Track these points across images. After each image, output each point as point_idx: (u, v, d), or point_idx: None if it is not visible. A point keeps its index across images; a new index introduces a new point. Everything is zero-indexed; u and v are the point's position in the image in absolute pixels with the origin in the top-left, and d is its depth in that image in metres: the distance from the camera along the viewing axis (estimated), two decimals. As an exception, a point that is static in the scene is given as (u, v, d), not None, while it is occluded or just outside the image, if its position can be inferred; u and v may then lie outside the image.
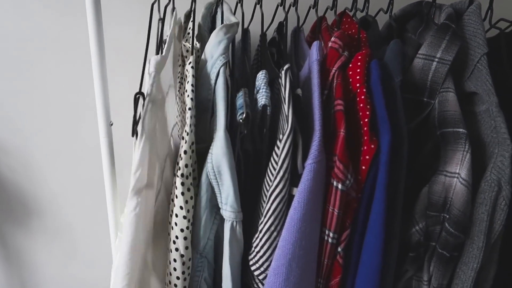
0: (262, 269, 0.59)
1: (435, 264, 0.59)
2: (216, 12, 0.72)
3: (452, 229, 0.57)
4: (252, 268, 0.60)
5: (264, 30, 0.77)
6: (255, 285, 0.62)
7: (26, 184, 1.08)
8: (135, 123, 0.58)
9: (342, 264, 0.59)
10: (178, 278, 0.63)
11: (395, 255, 0.59)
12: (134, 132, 0.58)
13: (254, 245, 0.59)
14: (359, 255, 0.59)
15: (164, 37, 0.68)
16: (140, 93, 0.59)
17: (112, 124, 0.72)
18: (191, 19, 0.68)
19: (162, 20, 0.66)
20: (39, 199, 1.10)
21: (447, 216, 0.58)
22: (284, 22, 0.73)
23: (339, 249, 0.59)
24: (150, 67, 0.58)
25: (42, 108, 1.00)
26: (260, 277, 0.59)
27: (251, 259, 0.60)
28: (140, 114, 0.59)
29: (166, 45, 0.65)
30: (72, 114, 1.01)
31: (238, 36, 0.76)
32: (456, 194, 0.56)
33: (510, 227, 0.57)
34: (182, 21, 0.76)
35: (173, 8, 0.68)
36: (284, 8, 0.73)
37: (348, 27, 0.75)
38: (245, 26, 0.78)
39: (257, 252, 0.58)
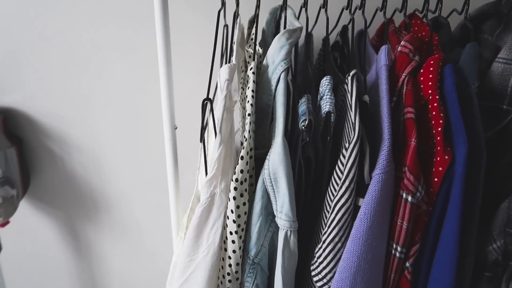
0: (325, 280, 0.57)
1: (514, 286, 0.55)
2: (280, 17, 0.72)
3: (536, 249, 0.52)
4: (315, 279, 0.59)
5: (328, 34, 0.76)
6: (316, 296, 0.61)
7: (96, 181, 1.15)
8: (203, 128, 0.59)
9: (410, 280, 0.56)
10: (223, 276, 0.64)
11: (469, 275, 0.55)
12: (202, 138, 0.59)
13: (317, 255, 0.58)
14: (429, 271, 0.56)
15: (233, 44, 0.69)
16: (207, 99, 0.60)
17: (176, 128, 0.74)
18: (255, 24, 0.68)
19: (227, 26, 0.66)
20: (107, 196, 1.17)
21: (530, 235, 0.53)
22: (350, 26, 0.71)
23: (407, 264, 0.56)
24: (224, 75, 0.59)
25: (113, 109, 1.06)
26: (323, 289, 0.58)
27: (313, 270, 0.59)
28: (207, 119, 0.60)
29: (235, 52, 0.65)
30: (140, 116, 1.06)
31: (301, 41, 0.75)
32: (542, 211, 0.52)
33: None
34: (246, 27, 0.77)
35: (237, 15, 0.69)
36: (350, 11, 0.71)
37: (418, 29, 0.72)
38: (309, 30, 0.77)
39: (320, 263, 0.57)
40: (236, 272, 0.63)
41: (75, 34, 0.98)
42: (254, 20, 0.72)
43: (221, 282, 0.66)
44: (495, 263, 0.56)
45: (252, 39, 0.74)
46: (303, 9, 0.69)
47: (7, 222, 1.11)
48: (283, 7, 0.69)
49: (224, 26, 0.68)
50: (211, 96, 0.63)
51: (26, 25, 0.98)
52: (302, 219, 0.64)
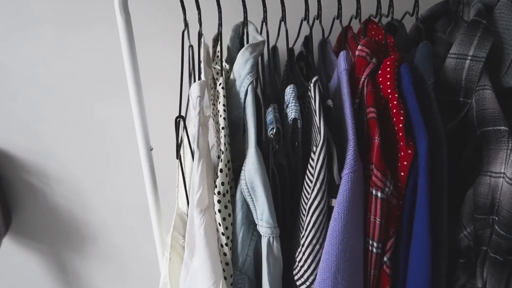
0: (307, 283, 0.58)
1: (488, 269, 0.57)
2: (243, 33, 0.75)
3: (502, 231, 0.54)
4: (298, 282, 0.60)
5: (291, 45, 0.78)
6: (302, 300, 0.62)
7: (80, 211, 1.14)
8: (178, 146, 0.60)
9: (390, 274, 0.58)
10: None
11: (445, 263, 0.57)
12: (178, 155, 0.60)
13: (298, 259, 0.59)
14: (407, 264, 0.57)
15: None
16: (180, 116, 0.62)
17: (152, 149, 0.75)
18: (219, 42, 0.70)
19: (191, 46, 0.68)
20: (92, 225, 1.16)
21: (496, 219, 0.55)
22: (310, 36, 0.74)
23: (385, 259, 0.57)
24: (195, 92, 0.61)
25: (89, 137, 1.06)
26: (306, 291, 0.59)
27: (296, 274, 0.60)
28: (181, 137, 0.61)
29: (203, 70, 0.67)
30: (117, 141, 1.06)
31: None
32: (504, 194, 0.54)
33: None
34: (211, 45, 0.79)
35: (201, 34, 0.71)
36: (308, 22, 0.74)
37: (375, 33, 0.75)
38: (273, 43, 0.80)
39: (301, 267, 0.58)
40: (231, 284, 0.64)
41: (46, 67, 0.99)
42: (218, 38, 0.74)
43: None
44: (468, 249, 0.58)
45: (218, 56, 0.76)
46: (264, 24, 0.71)
47: (-9, 262, 1.09)
48: (245, 23, 0.71)
49: (189, 46, 0.70)
50: (183, 114, 0.65)
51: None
52: (283, 225, 0.65)
